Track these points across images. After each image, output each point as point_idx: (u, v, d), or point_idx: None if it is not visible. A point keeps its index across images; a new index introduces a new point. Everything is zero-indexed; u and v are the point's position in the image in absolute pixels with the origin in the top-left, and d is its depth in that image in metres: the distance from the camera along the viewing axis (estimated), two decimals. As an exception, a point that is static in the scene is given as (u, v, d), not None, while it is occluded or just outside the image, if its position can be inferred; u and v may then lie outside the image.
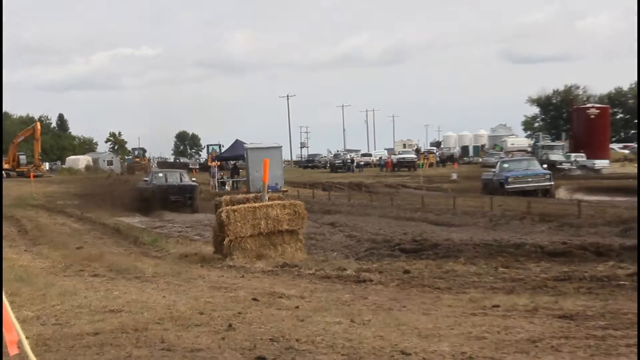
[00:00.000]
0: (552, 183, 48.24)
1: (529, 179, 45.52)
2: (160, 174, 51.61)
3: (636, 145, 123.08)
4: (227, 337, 11.33)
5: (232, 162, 63.15)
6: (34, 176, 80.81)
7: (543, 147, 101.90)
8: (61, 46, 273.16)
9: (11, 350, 5.56)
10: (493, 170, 58.34)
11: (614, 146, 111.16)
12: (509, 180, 44.06)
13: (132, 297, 15.40)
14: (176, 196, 45.74)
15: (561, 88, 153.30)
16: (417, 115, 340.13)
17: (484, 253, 21.15)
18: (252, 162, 52.11)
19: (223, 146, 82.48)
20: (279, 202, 22.14)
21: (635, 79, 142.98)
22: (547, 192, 46.59)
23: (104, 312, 13.77)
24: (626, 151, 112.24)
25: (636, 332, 10.59)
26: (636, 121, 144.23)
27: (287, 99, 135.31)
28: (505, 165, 50.56)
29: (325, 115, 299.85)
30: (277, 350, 10.44)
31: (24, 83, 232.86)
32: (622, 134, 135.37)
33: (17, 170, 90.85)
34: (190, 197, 45.45)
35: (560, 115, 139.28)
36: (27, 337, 5.33)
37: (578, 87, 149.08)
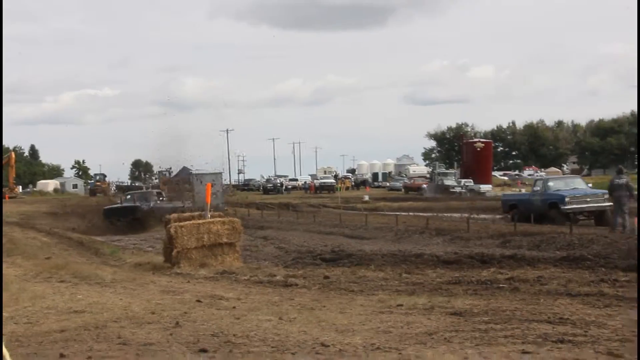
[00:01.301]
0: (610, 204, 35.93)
1: (588, 199, 36.65)
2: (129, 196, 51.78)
3: (514, 173, 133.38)
4: (174, 333, 11.95)
5: (181, 184, 62.77)
6: (9, 197, 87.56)
7: (439, 174, 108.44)
8: (34, 87, 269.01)
9: None
10: (520, 190, 55.19)
11: (496, 173, 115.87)
12: (566, 200, 35.55)
13: (93, 299, 16.04)
14: (119, 216, 45.51)
15: (454, 125, 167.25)
16: (336, 146, 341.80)
17: (390, 261, 21.46)
18: (196, 186, 52.29)
19: (172, 171, 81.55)
20: (219, 219, 22.91)
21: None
22: (602, 215, 36.43)
23: (69, 313, 14.35)
24: (505, 178, 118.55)
25: (514, 325, 11.82)
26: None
27: (227, 132, 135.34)
28: (551, 184, 39.89)
29: (260, 146, 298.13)
30: (217, 343, 11.10)
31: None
32: (502, 164, 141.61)
33: None
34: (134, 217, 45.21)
35: (453, 147, 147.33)
36: (4, 333, 5.11)
37: (467, 125, 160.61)
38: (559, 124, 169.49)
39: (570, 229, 29.92)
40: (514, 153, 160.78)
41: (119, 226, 41.87)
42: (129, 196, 52.70)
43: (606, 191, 37.53)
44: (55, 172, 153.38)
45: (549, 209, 36.55)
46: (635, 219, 31.10)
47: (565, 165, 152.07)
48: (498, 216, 40.26)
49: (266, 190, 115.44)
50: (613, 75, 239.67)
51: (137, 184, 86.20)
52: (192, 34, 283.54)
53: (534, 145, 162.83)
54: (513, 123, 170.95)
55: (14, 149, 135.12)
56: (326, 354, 10.18)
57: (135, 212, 44.08)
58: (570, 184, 38.49)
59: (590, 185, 44.56)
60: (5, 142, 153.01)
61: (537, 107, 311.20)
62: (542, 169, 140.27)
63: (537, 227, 34.71)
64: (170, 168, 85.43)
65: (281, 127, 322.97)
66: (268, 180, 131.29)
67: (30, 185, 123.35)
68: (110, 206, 49.74)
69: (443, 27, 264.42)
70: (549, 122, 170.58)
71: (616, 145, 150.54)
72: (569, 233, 28.51)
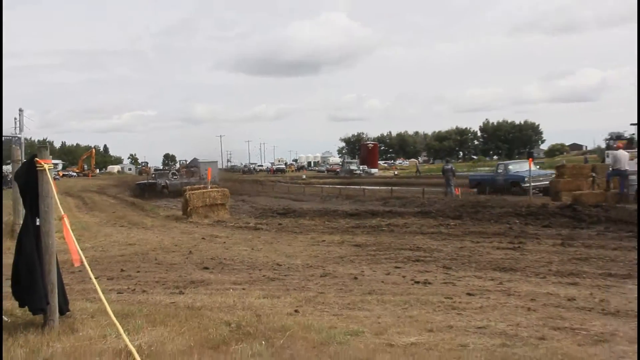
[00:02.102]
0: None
1: (540, 178, 31.62)
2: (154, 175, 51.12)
3: (390, 162, 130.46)
4: (189, 257, 12.16)
5: (192, 168, 62.21)
6: (91, 176, 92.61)
7: (347, 162, 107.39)
8: (106, 109, 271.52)
9: (75, 263, 5.45)
10: (487, 172, 46.15)
11: (381, 162, 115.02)
12: (525, 179, 30.41)
13: (140, 237, 16.23)
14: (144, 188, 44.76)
15: (356, 133, 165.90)
16: (286, 145, 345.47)
17: (318, 214, 21.02)
18: (202, 169, 52.09)
19: (187, 161, 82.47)
20: (215, 189, 23.22)
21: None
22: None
23: (126, 245, 14.55)
24: (385, 165, 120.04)
25: (390, 252, 12.10)
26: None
27: (220, 137, 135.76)
28: (511, 167, 34.45)
29: (240, 145, 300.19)
30: (214, 263, 11.30)
31: (86, 129, 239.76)
32: (384, 156, 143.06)
33: (82, 173, 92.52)
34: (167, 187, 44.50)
35: (355, 147, 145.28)
36: (85, 257, 5.28)
37: (364, 134, 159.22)
38: (416, 133, 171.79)
39: (423, 194, 30.06)
40: (390, 150, 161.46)
41: (145, 194, 41.13)
42: (153, 175, 52.01)
43: (552, 171, 33.39)
44: (118, 161, 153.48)
45: (511, 186, 31.73)
46: (457, 189, 31.67)
47: (420, 158, 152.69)
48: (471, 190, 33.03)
49: (244, 172, 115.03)
50: (449, 106, 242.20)
51: (165, 169, 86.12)
52: (201, 78, 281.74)
53: (402, 145, 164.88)
54: (390, 132, 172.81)
55: (95, 147, 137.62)
56: (279, 270, 10.41)
57: (155, 186, 43.40)
58: (524, 167, 32.74)
59: (538, 167, 38.83)
60: (89, 143, 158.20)
61: (404, 123, 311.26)
62: (407, 160, 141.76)
63: (411, 191, 34.25)
64: (186, 160, 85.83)
65: (254, 133, 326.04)
66: (245, 166, 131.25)
67: (104, 169, 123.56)
68: (140, 182, 49.17)
69: (352, 75, 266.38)
70: (411, 132, 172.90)
71: (447, 146, 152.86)
72: (422, 197, 28.64)
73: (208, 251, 12.99)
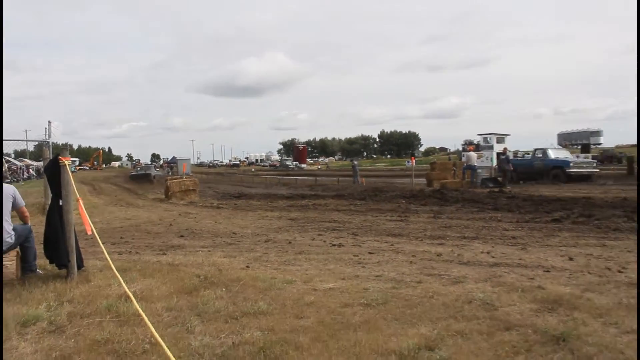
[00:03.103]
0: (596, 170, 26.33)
1: (584, 165, 25.83)
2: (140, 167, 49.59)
3: (315, 159, 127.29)
4: (169, 229, 11.84)
5: (172, 164, 60.74)
6: (99, 170, 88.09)
7: (283, 159, 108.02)
8: (110, 122, 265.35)
9: (88, 232, 5.49)
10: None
11: (308, 160, 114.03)
12: (571, 164, 24.55)
13: (134, 214, 15.75)
14: (135, 178, 43.42)
15: (291, 138, 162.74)
16: (240, 146, 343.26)
17: (263, 197, 20.61)
18: (179, 165, 50.88)
19: (168, 158, 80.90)
20: (189, 178, 22.57)
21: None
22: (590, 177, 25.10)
23: (124, 219, 14.13)
24: (312, 161, 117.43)
25: (315, 224, 12.00)
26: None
27: (192, 142, 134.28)
28: (550, 152, 26.03)
29: (207, 147, 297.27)
30: (188, 232, 11.02)
31: (96, 135, 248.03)
32: (311, 155, 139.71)
33: (92, 167, 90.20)
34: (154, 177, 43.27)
35: (289, 148, 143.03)
36: (95, 228, 5.36)
37: (296, 139, 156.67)
38: (333, 138, 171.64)
39: (338, 181, 30.17)
40: (315, 151, 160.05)
41: (136, 182, 40.15)
42: (139, 168, 50.81)
43: (594, 160, 28.80)
44: (118, 158, 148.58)
45: (551, 171, 24.83)
46: (363, 179, 31.68)
47: (335, 157, 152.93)
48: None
49: (209, 167, 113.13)
50: (355, 119, 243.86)
51: (152, 163, 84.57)
52: (178, 98, 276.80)
53: (323, 147, 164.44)
54: (315, 138, 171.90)
55: (102, 148, 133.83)
56: (235, 237, 10.18)
57: (144, 177, 42.38)
58: (562, 153, 27.03)
59: (578, 155, 31.83)
60: (98, 145, 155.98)
61: (324, 131, 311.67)
62: (327, 157, 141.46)
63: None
64: (167, 158, 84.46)
65: (216, 139, 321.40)
66: (210, 162, 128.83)
67: (108, 165, 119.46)
68: (132, 173, 47.98)
69: (287, 96, 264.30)
70: (329, 137, 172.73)
71: (355, 148, 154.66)
72: (337, 184, 28.73)
73: (183, 224, 12.70)
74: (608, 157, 53.03)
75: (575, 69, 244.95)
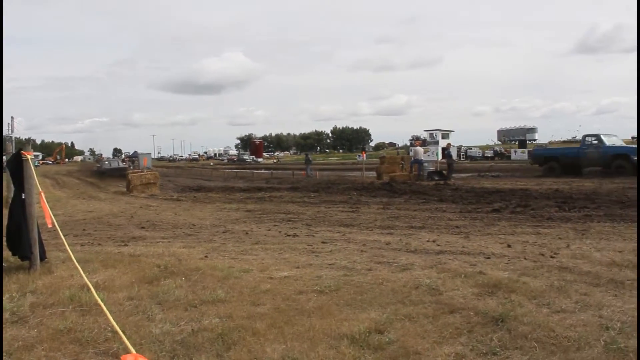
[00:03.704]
0: None
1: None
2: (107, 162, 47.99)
3: (270, 153, 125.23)
4: (131, 220, 11.72)
5: (134, 158, 59.33)
6: (63, 163, 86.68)
7: (240, 154, 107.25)
8: (73, 117, 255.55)
9: (49, 225, 5.62)
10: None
11: (265, 154, 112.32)
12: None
13: (96, 206, 15.46)
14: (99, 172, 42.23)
15: (247, 134, 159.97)
16: (198, 141, 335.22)
17: (221, 190, 20.28)
18: (140, 159, 49.54)
19: (130, 153, 79.00)
20: (149, 172, 22.14)
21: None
22: None
23: (86, 212, 13.89)
24: (267, 155, 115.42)
25: (270, 215, 11.96)
26: None
27: (153, 137, 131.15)
28: (605, 139, 21.40)
29: (167, 142, 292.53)
30: (149, 224, 10.90)
31: (59, 130, 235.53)
32: (267, 150, 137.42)
33: (55, 162, 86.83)
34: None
35: (246, 143, 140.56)
36: (57, 221, 5.55)
37: (253, 134, 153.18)
38: (288, 134, 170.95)
39: (293, 174, 30.08)
40: (271, 145, 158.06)
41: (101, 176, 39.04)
42: (106, 162, 49.43)
43: None
44: (81, 153, 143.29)
45: (612, 160, 20.24)
46: (317, 172, 31.78)
47: (291, 151, 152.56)
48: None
49: (170, 161, 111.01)
50: (309, 115, 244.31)
51: (115, 158, 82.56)
52: (139, 95, 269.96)
53: (279, 142, 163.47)
54: (271, 133, 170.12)
55: (64, 143, 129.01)
56: (194, 228, 10.12)
57: (117, 173, 41.32)
58: (613, 139, 22.14)
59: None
60: (61, 140, 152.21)
61: (279, 127, 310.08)
62: (281, 152, 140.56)
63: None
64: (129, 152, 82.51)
65: (177, 135, 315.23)
66: (171, 156, 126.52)
67: (71, 159, 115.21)
68: (101, 168, 46.63)
69: (245, 94, 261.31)
70: (285, 133, 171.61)
71: (309, 143, 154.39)
72: (292, 177, 28.69)
73: (144, 216, 12.53)
74: (543, 152, 54.73)
75: (514, 70, 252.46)
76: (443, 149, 26.59)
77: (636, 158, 19.84)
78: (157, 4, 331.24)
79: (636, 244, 6.72)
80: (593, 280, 4.81)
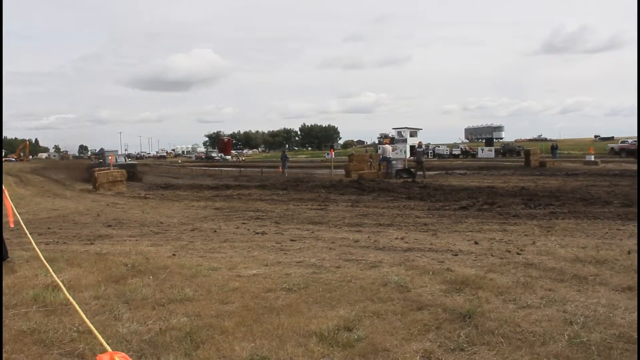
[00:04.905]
0: None
1: None
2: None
3: (238, 151, 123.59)
4: (97, 218, 11.45)
5: (100, 155, 58.72)
6: (26, 161, 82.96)
7: (209, 151, 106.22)
8: (38, 113, 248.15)
9: (11, 224, 5.69)
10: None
11: (233, 151, 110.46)
12: None
13: (62, 204, 15.00)
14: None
15: (215, 131, 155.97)
16: (166, 139, 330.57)
17: (189, 187, 19.76)
18: (106, 156, 48.75)
19: (97, 150, 78.44)
20: (116, 170, 21.46)
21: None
22: None
23: (51, 210, 13.49)
24: (235, 153, 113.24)
25: (239, 213, 11.90)
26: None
27: (120, 134, 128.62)
28: None
29: (135, 139, 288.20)
30: (116, 222, 10.68)
31: (23, 127, 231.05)
32: (235, 148, 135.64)
33: (19, 159, 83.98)
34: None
35: (215, 141, 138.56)
36: (21, 219, 5.58)
37: (221, 131, 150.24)
38: (257, 131, 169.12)
39: (262, 172, 29.93)
40: (239, 143, 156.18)
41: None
42: (108, 157, 48.82)
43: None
44: (45, 150, 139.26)
45: None
46: (280, 168, 31.67)
47: (260, 148, 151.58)
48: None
49: (137, 158, 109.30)
50: (278, 113, 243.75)
51: (81, 155, 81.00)
52: (106, 91, 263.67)
53: (247, 140, 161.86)
54: (239, 131, 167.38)
55: (28, 140, 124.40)
56: (162, 226, 9.97)
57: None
58: None
59: None
60: (25, 137, 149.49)
61: (248, 124, 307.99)
62: (249, 150, 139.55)
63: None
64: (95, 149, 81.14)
65: (144, 132, 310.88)
66: (138, 154, 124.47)
67: (35, 156, 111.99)
68: (98, 164, 45.90)
69: (213, 91, 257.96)
70: (253, 130, 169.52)
71: (278, 141, 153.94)
72: (261, 174, 28.55)
73: (111, 214, 12.24)
74: (509, 150, 56.61)
75: (482, 70, 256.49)
76: (413, 147, 26.82)
77: None
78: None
79: (598, 240, 6.97)
80: (557, 276, 4.94)
